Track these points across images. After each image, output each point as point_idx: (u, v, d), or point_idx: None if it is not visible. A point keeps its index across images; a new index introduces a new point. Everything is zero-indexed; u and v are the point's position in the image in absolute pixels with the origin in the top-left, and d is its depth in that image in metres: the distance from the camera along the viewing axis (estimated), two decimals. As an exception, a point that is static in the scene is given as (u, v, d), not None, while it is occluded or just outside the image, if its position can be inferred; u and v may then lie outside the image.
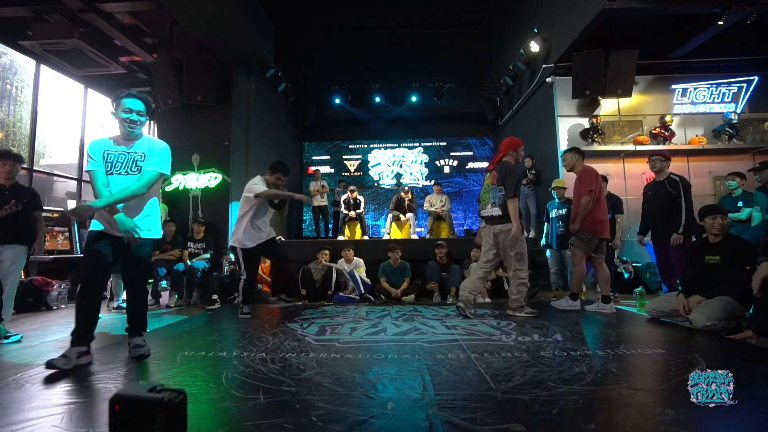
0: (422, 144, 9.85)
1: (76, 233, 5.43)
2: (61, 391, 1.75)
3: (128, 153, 2.24)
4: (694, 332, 2.75)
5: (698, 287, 2.94)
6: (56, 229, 5.24)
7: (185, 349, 2.48)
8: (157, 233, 2.39)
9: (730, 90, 5.89)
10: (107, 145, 2.24)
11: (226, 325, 3.40)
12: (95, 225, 2.22)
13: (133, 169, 2.22)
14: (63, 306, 4.46)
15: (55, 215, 5.31)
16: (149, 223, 2.33)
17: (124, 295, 4.29)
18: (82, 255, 5.24)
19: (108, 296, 4.34)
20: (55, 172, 6.63)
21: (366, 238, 6.49)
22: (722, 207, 3.24)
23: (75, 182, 6.58)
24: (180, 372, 2.03)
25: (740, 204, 4.29)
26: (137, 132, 2.27)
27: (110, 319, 3.70)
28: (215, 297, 4.44)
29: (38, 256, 4.43)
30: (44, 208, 4.58)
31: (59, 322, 3.59)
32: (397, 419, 1.42)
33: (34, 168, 5.68)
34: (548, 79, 5.91)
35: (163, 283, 4.79)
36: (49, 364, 1.98)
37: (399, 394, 1.67)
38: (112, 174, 2.19)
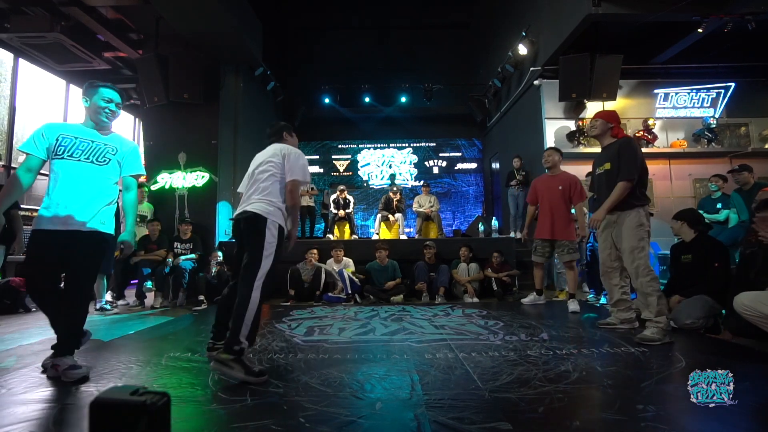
0: (411, 144, 9.88)
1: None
2: (41, 396, 1.70)
3: (96, 143, 2.11)
4: (674, 331, 2.82)
5: (678, 287, 3.04)
6: (35, 228, 5.07)
7: (171, 350, 2.44)
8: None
9: (708, 95, 6.07)
10: (68, 130, 2.10)
11: (213, 326, 3.35)
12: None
13: (100, 160, 2.10)
14: (42, 308, 4.32)
15: (35, 214, 5.14)
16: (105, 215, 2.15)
17: (107, 296, 4.22)
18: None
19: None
20: (35, 169, 6.44)
21: (355, 237, 6.48)
22: (683, 212, 3.18)
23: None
24: (165, 374, 2.00)
25: (719, 206, 4.41)
26: (110, 123, 2.20)
27: (91, 321, 3.61)
28: (202, 297, 4.38)
29: (17, 256, 4.30)
30: (23, 206, 4.45)
31: (38, 324, 3.48)
32: (385, 419, 1.42)
33: (12, 165, 5.50)
34: (536, 82, 6.00)
35: (148, 284, 4.69)
36: None
37: (387, 394, 1.67)
38: (63, 159, 2.04)
